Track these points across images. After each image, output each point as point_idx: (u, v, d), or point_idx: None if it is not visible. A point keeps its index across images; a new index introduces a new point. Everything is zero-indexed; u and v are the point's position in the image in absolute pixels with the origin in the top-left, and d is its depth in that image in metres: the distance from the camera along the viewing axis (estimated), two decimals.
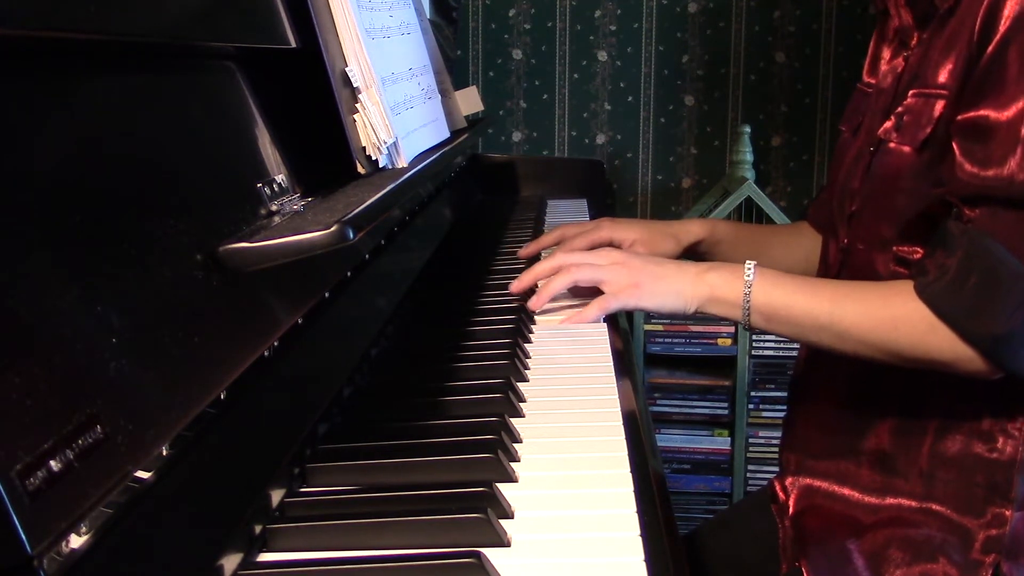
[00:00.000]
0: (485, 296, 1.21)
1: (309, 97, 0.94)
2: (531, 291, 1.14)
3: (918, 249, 0.98)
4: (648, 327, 2.32)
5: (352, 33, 0.98)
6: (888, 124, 1.01)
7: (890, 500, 1.03)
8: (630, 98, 2.50)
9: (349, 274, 0.91)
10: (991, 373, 0.92)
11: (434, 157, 1.12)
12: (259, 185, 0.79)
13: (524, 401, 0.86)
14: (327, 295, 0.84)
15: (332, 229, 0.66)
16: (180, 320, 0.58)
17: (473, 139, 1.61)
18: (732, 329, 2.30)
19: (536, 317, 1.12)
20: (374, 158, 0.98)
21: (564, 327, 1.08)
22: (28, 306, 0.46)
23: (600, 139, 2.52)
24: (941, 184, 0.93)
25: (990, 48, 0.88)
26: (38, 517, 0.41)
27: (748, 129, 2.38)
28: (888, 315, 0.94)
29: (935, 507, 1.00)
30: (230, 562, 0.57)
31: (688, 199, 2.54)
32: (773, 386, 2.32)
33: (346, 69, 0.97)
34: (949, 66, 0.93)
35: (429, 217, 1.36)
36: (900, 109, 1.00)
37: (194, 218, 0.65)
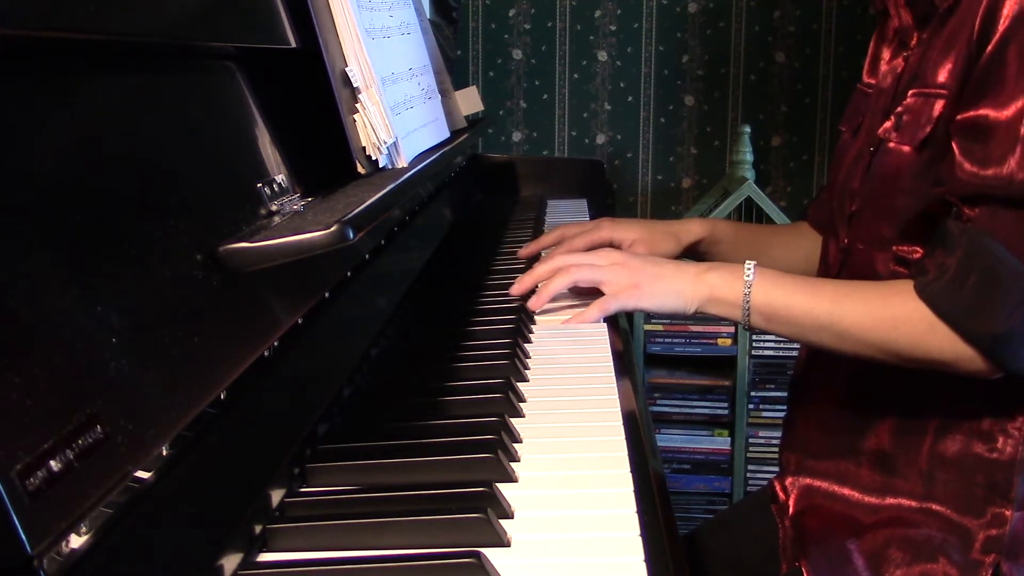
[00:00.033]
0: (485, 296, 1.21)
1: (309, 97, 0.94)
2: (531, 291, 1.14)
3: (918, 249, 0.98)
4: (648, 327, 2.32)
5: (352, 33, 0.98)
6: (888, 124, 1.01)
7: (890, 500, 1.03)
8: (630, 98, 2.50)
9: (349, 274, 0.91)
10: (991, 373, 0.92)
11: (434, 157, 1.12)
12: (259, 185, 0.79)
13: (524, 401, 0.86)
14: (327, 295, 0.84)
15: (332, 229, 0.66)
16: (180, 320, 0.58)
17: (473, 139, 1.61)
18: (732, 329, 2.30)
19: (536, 317, 1.12)
20: (374, 158, 0.98)
21: (564, 327, 1.08)
22: (28, 306, 0.46)
23: (600, 139, 2.52)
24: (941, 184, 0.93)
25: (989, 47, 0.88)
26: (38, 517, 0.41)
27: (748, 129, 2.38)
28: (888, 315, 0.94)
29: (935, 507, 1.00)
30: (230, 562, 0.57)
31: (688, 199, 2.54)
32: (773, 386, 2.32)
33: (346, 69, 0.97)
34: (949, 66, 0.93)
35: (429, 217, 1.36)
36: (900, 109, 1.00)
37: (194, 218, 0.65)
